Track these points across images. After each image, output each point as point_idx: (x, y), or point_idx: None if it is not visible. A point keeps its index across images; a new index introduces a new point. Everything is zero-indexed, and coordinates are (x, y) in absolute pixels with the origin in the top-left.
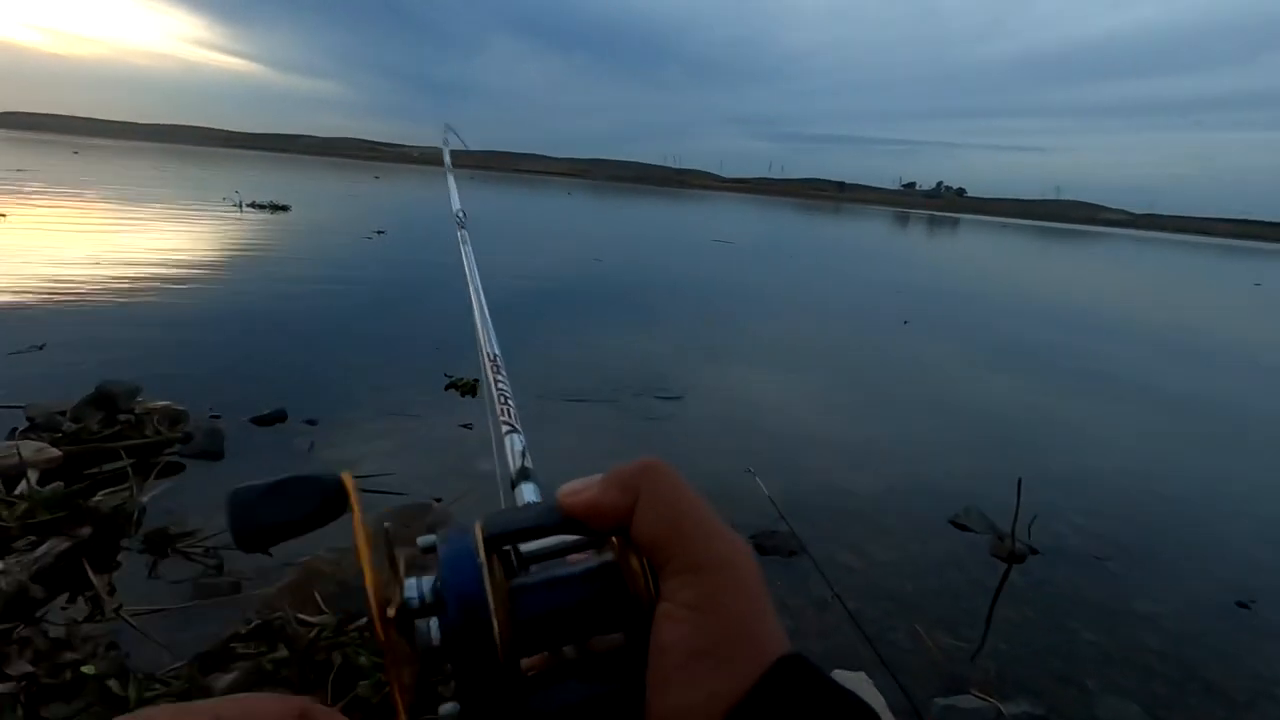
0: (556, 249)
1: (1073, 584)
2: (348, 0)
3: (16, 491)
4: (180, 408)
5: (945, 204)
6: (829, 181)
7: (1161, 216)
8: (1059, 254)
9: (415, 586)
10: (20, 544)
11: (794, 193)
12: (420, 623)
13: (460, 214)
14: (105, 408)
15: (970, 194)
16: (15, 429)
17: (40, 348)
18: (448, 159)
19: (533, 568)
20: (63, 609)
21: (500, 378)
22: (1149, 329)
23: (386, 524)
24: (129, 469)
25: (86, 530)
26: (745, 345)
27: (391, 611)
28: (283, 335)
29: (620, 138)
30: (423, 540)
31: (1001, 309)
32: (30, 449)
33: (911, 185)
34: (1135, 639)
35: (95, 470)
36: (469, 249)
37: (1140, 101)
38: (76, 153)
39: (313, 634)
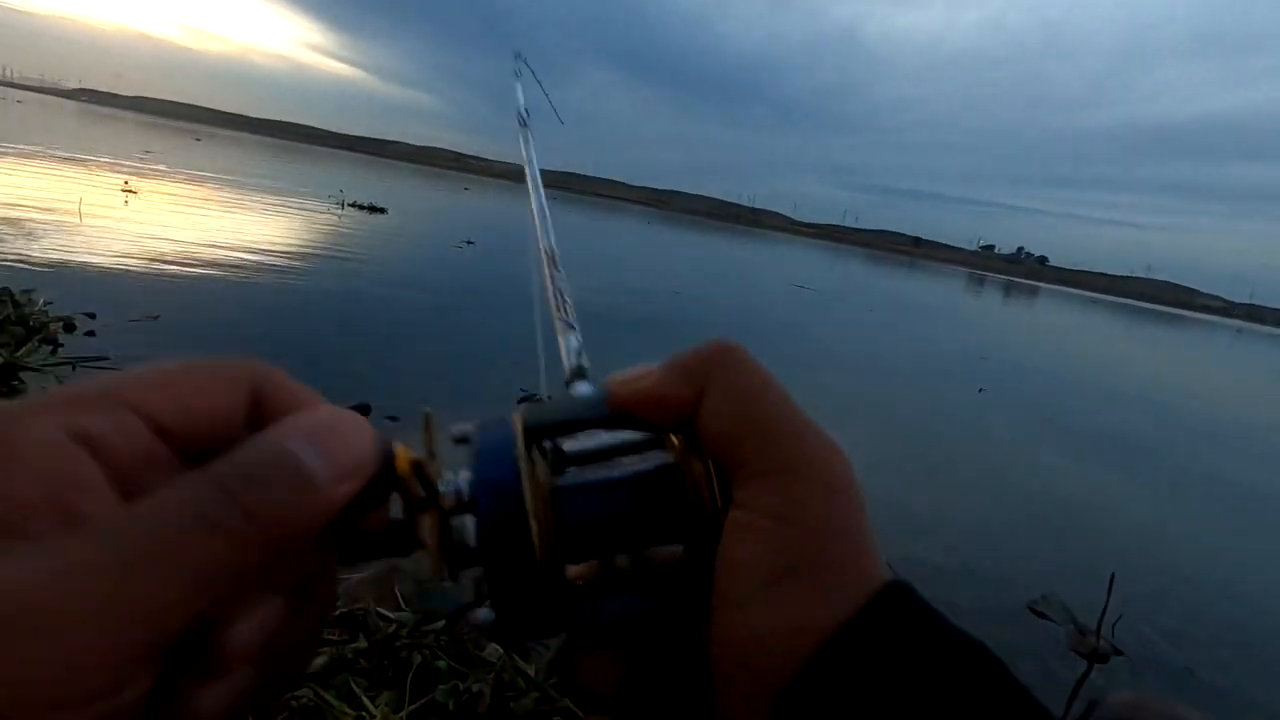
0: (640, 277)
1: (1160, 693)
2: (452, 19)
3: None
4: None
5: (1025, 270)
6: (904, 235)
7: (1263, 308)
8: (1152, 337)
9: (452, 481)
10: None
11: (867, 243)
12: (456, 520)
13: (525, 112)
14: None
15: (1052, 263)
16: None
17: (156, 318)
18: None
19: (571, 470)
20: None
21: (557, 274)
22: (1259, 430)
23: (427, 409)
24: None
25: None
26: (821, 400)
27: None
28: (372, 332)
29: (698, 171)
30: (456, 429)
31: (1091, 389)
32: None
33: (990, 248)
34: None
35: None
36: (530, 146)
37: (1245, 187)
38: (199, 139)
39: (391, 629)
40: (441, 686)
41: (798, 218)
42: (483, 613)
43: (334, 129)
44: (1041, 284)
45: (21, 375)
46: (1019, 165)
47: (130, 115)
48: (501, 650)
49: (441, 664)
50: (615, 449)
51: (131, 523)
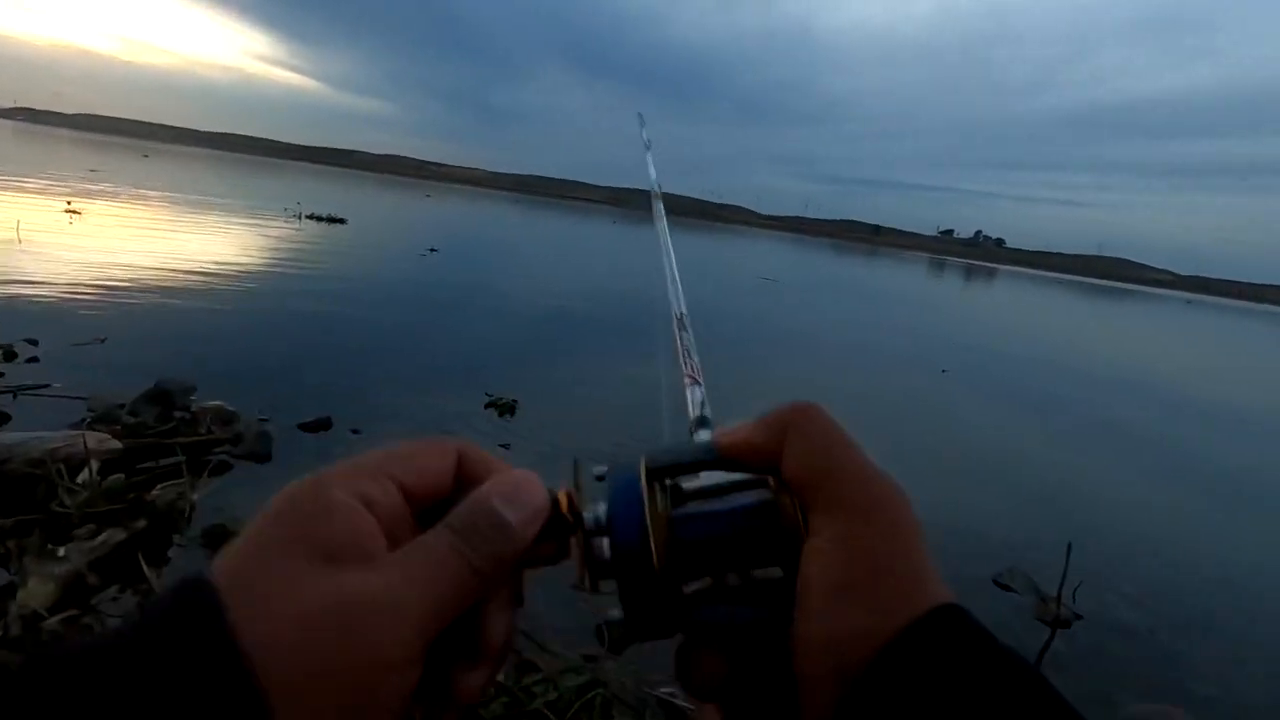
0: (605, 276)
1: (1120, 654)
2: (405, 24)
3: (79, 480)
4: (231, 409)
5: (983, 253)
6: (864, 224)
7: (1209, 279)
8: (1105, 312)
9: (593, 510)
10: (80, 532)
11: (829, 233)
12: (596, 541)
13: (657, 185)
14: (162, 404)
15: (1009, 245)
16: (83, 419)
17: (102, 341)
18: (644, 134)
19: (692, 504)
20: (113, 599)
21: (686, 334)
22: (1209, 397)
23: (576, 458)
24: (184, 465)
25: (142, 523)
26: (790, 386)
27: (564, 506)
28: (332, 345)
29: (662, 169)
30: (596, 469)
31: (1047, 365)
32: (94, 439)
33: (949, 233)
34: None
35: (151, 464)
36: (661, 211)
37: (1191, 163)
38: (146, 156)
39: None
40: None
41: (761, 211)
42: (614, 611)
43: (289, 140)
44: (1000, 266)
45: None
46: (974, 150)
47: (72, 134)
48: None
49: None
50: (725, 487)
51: (415, 555)
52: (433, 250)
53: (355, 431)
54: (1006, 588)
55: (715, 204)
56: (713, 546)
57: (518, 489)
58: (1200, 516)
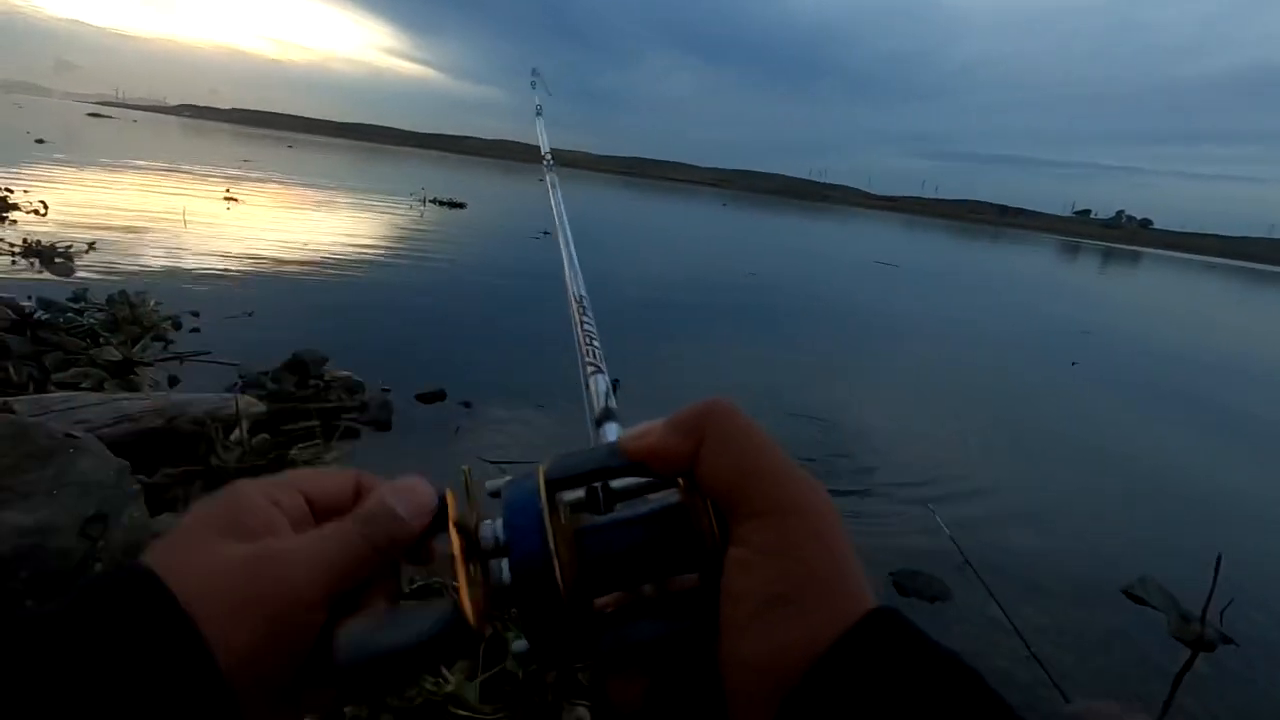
0: (715, 261)
1: (1274, 684)
2: (517, 16)
3: (232, 438)
4: (358, 379)
5: (1125, 235)
6: (988, 204)
7: None
8: (1271, 302)
9: (490, 528)
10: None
11: (948, 214)
12: (494, 563)
13: (548, 158)
14: (299, 372)
15: (1158, 226)
16: (234, 383)
17: (250, 314)
18: (538, 102)
19: (619, 506)
20: None
21: (587, 319)
22: None
23: (465, 466)
24: (317, 429)
25: None
26: (918, 379)
27: (455, 535)
28: (449, 322)
29: (767, 149)
30: (490, 484)
31: (1194, 359)
32: (244, 402)
33: (1086, 213)
34: None
35: (291, 426)
36: (557, 193)
37: None
38: (290, 146)
39: None
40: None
41: (873, 191)
42: (518, 644)
43: (410, 128)
44: (1145, 249)
45: (136, 369)
46: (1116, 122)
47: (227, 127)
48: None
49: (511, 634)
50: (645, 487)
51: (322, 531)
52: (546, 233)
53: (466, 405)
54: (1140, 600)
55: (821, 184)
56: (623, 559)
57: (408, 489)
58: None
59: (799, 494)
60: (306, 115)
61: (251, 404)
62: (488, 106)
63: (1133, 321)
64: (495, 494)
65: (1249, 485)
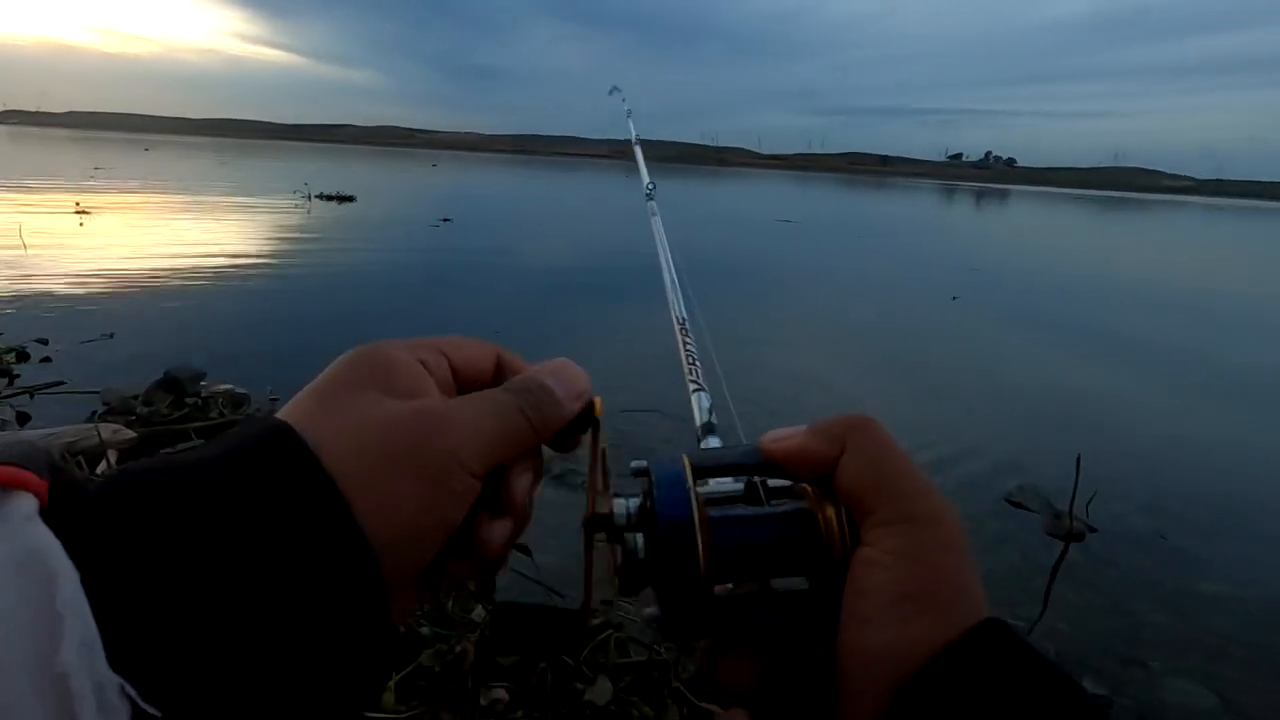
0: (619, 229)
1: (1135, 563)
2: None
3: (98, 471)
4: (242, 391)
5: (994, 175)
6: (871, 155)
7: (1230, 182)
8: (1114, 225)
9: (624, 505)
10: None
11: (835, 168)
12: (629, 536)
13: (650, 186)
14: (173, 391)
15: (1021, 164)
16: (94, 412)
17: (110, 336)
18: (634, 132)
19: (714, 509)
20: None
21: (689, 340)
22: (1220, 302)
23: (604, 446)
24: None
25: None
26: (818, 323)
27: (586, 513)
28: (345, 320)
29: (658, 116)
30: (635, 464)
31: (1055, 284)
32: (108, 431)
33: (958, 157)
34: (1203, 621)
35: (169, 450)
36: (658, 220)
37: (1210, 60)
38: (147, 149)
39: None
40: (427, 650)
41: (763, 150)
42: (650, 610)
43: (279, 120)
44: (1011, 186)
45: None
46: (980, 68)
47: (65, 133)
48: (485, 612)
49: (425, 630)
50: (741, 496)
51: (478, 397)
52: (446, 220)
53: None
54: (1020, 505)
55: (715, 148)
56: (748, 552)
57: (564, 370)
58: (1215, 419)
59: (934, 508)
60: (155, 114)
61: (118, 431)
62: (363, 90)
63: (1014, 257)
64: (640, 473)
65: (1107, 390)
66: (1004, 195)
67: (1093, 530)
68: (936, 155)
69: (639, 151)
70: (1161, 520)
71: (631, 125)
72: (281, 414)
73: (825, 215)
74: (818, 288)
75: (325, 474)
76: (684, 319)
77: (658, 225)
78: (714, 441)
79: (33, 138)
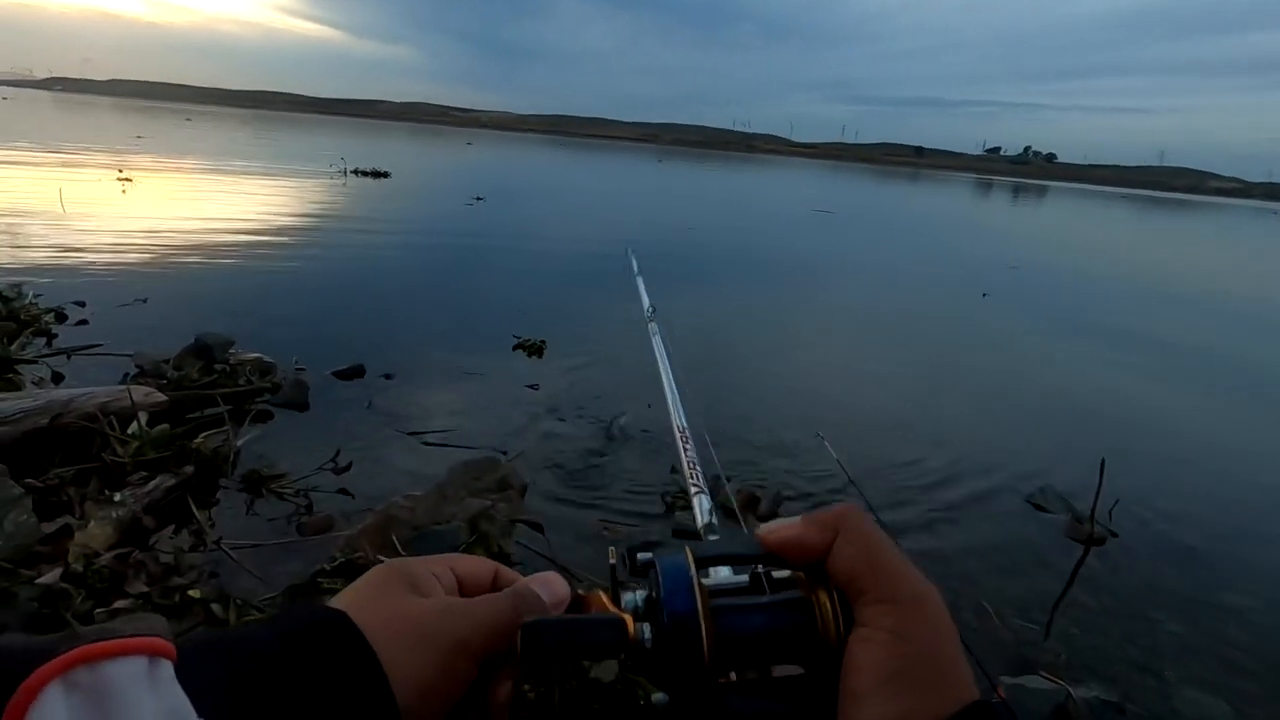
0: (654, 215)
1: (1155, 571)
2: None
3: (129, 431)
4: (269, 359)
5: (1033, 170)
6: (906, 146)
7: None
8: (1158, 226)
9: (631, 598)
10: (133, 479)
11: (868, 158)
12: (638, 626)
13: (650, 309)
14: (203, 357)
15: (1061, 159)
16: (126, 374)
17: (144, 300)
18: (635, 265)
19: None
20: (170, 538)
21: (688, 448)
22: (1269, 309)
23: (612, 548)
24: (226, 415)
25: (190, 469)
26: (852, 317)
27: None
28: (373, 294)
29: (688, 100)
30: (641, 556)
31: (1091, 284)
32: (140, 393)
33: (996, 150)
34: (1221, 632)
35: (196, 414)
36: (659, 339)
37: (1259, 57)
38: (189, 119)
39: None
40: None
41: (795, 139)
42: (659, 696)
43: (315, 94)
44: (1050, 183)
45: (17, 368)
46: (1021, 60)
47: (108, 100)
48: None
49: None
50: (740, 588)
51: (484, 598)
52: (479, 199)
53: (387, 377)
54: (1041, 508)
55: (746, 134)
56: (750, 640)
57: (549, 581)
58: (1250, 429)
59: (917, 588)
60: (196, 84)
61: (150, 394)
62: (398, 66)
63: (1051, 255)
64: (644, 565)
65: (1139, 396)
66: (1042, 191)
67: (1114, 535)
68: (973, 148)
69: (641, 282)
70: (1186, 529)
71: (637, 270)
72: (334, 603)
73: (861, 205)
74: (858, 279)
75: (370, 649)
76: (684, 428)
77: (658, 343)
78: (714, 539)
79: (77, 104)
